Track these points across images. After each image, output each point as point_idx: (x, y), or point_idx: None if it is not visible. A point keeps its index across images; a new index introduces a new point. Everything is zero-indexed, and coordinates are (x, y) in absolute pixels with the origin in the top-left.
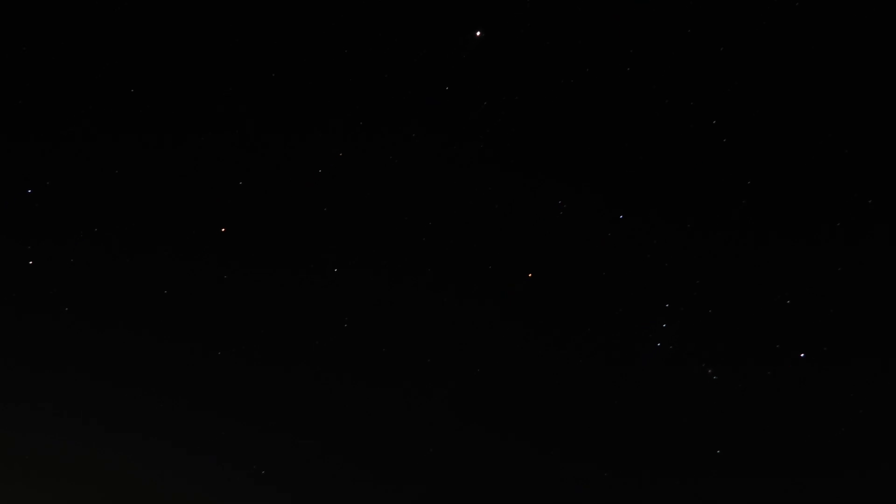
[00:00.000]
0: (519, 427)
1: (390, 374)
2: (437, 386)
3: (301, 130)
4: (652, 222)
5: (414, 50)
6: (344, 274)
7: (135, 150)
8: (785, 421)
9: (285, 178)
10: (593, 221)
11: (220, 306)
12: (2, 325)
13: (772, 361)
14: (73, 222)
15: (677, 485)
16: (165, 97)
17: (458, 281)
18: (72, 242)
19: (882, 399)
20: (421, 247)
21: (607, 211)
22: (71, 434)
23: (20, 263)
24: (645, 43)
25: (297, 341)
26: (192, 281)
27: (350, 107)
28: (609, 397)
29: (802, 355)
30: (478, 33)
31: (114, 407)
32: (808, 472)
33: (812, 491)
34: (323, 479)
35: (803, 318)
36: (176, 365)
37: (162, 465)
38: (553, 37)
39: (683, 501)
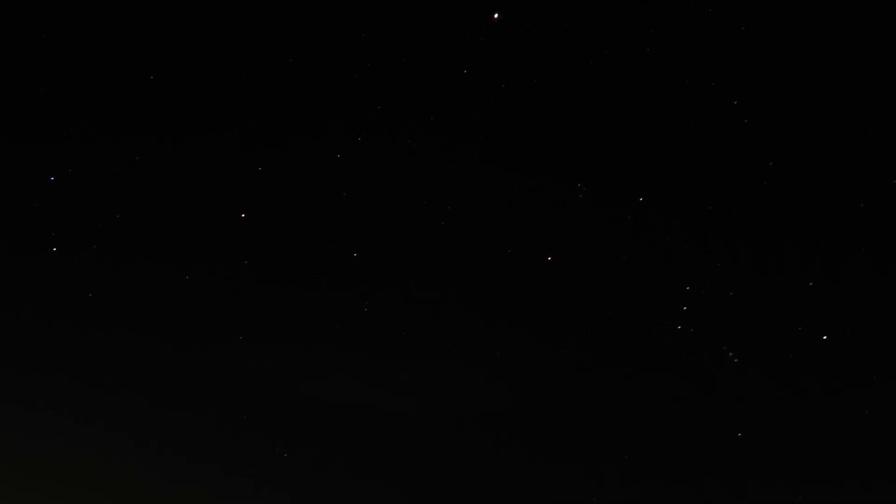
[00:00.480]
0: (534, 417)
1: (394, 373)
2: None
3: (308, 125)
4: (672, 204)
5: (415, 49)
6: (347, 273)
7: (151, 141)
8: (808, 403)
9: (287, 176)
10: (613, 204)
11: (221, 306)
12: (2, 324)
13: (794, 344)
14: (73, 221)
15: (698, 469)
16: (176, 93)
17: (477, 265)
18: (72, 242)
19: None
20: (439, 230)
21: (627, 194)
22: (71, 434)
23: (19, 263)
24: (664, 24)
25: (297, 341)
26: (193, 281)
27: (361, 103)
28: (629, 380)
29: (825, 337)
30: (496, 15)
31: (114, 407)
32: (831, 455)
33: (833, 475)
34: (322, 481)
35: (826, 301)
36: (177, 365)
37: (162, 465)
38: (570, 18)
39: (706, 484)
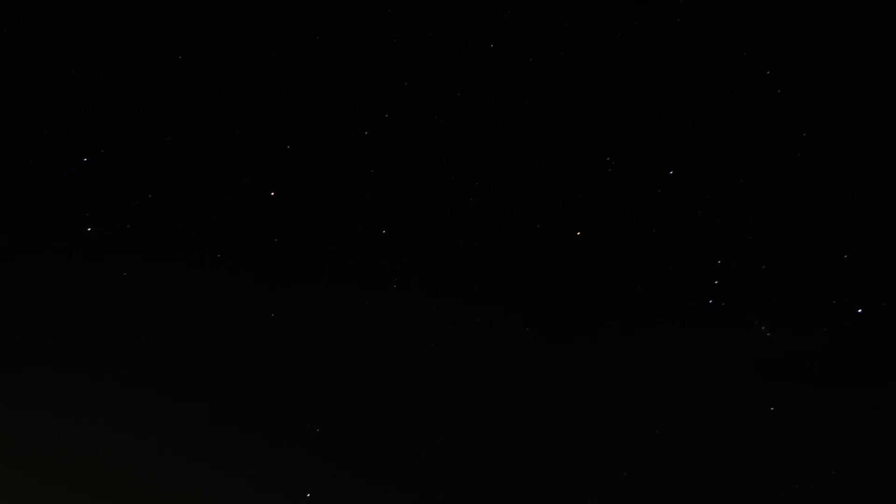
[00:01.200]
0: (559, 393)
1: (400, 373)
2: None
3: (312, 126)
4: (703, 177)
5: (415, 49)
6: (352, 271)
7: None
8: (841, 377)
9: (290, 175)
10: (643, 177)
11: (220, 307)
12: (2, 324)
13: (828, 317)
14: (77, 220)
15: (730, 444)
16: (183, 93)
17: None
18: (73, 241)
19: None
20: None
21: (657, 166)
22: (71, 434)
23: (21, 262)
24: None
25: (295, 343)
26: (192, 281)
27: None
28: (659, 355)
29: (860, 311)
30: None
31: (114, 407)
32: (866, 431)
33: (868, 450)
34: (323, 480)
35: (861, 273)
36: (177, 365)
37: (162, 465)
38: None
39: (739, 459)
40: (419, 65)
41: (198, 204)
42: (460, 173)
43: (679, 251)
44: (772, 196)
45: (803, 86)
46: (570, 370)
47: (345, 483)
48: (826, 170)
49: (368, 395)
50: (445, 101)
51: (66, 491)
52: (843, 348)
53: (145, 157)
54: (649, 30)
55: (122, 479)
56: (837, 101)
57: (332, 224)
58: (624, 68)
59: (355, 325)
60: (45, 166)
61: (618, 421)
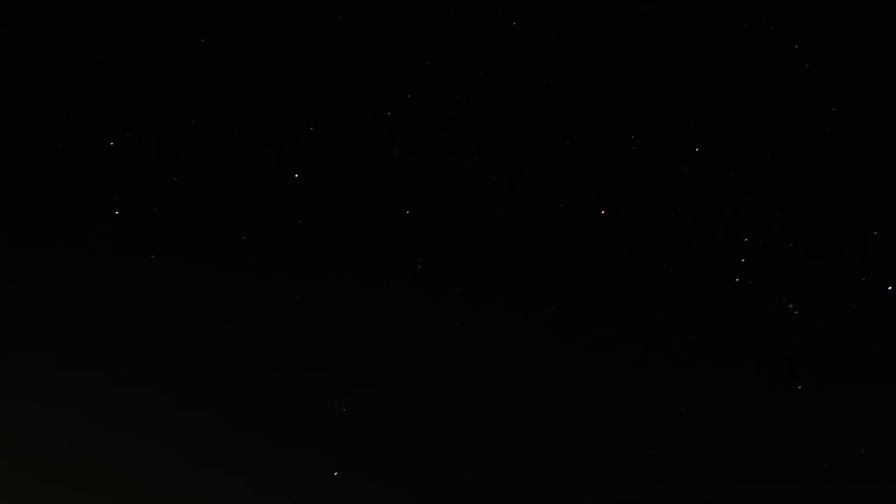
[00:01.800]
0: (584, 370)
1: (399, 372)
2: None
3: (312, 126)
4: (730, 153)
5: (415, 49)
6: (351, 272)
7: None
8: (871, 357)
9: (286, 176)
10: (669, 154)
11: (221, 308)
12: (2, 323)
13: (857, 295)
14: (77, 220)
15: (756, 424)
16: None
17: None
18: (73, 240)
19: None
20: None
21: (684, 144)
22: (71, 434)
23: (19, 264)
24: None
25: (295, 342)
26: (192, 282)
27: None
28: (685, 335)
29: (890, 288)
30: None
31: (114, 407)
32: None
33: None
34: (322, 480)
35: (891, 250)
36: (177, 365)
37: (162, 465)
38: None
39: (765, 438)
40: (419, 64)
41: (197, 204)
42: (459, 173)
43: (704, 229)
44: (798, 172)
45: (830, 59)
46: (570, 370)
47: (344, 483)
48: (854, 144)
49: (368, 395)
50: (445, 101)
51: (66, 491)
52: (871, 326)
53: (145, 157)
54: (655, 22)
55: (122, 479)
56: (861, 77)
57: (331, 225)
58: (629, 60)
59: (355, 324)
60: (45, 166)
61: (618, 421)
